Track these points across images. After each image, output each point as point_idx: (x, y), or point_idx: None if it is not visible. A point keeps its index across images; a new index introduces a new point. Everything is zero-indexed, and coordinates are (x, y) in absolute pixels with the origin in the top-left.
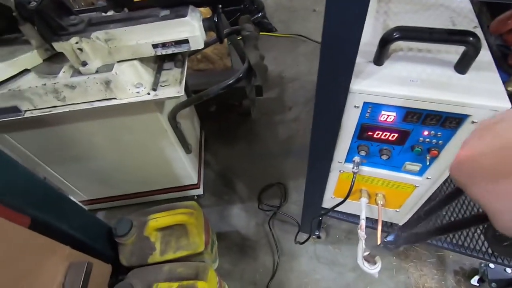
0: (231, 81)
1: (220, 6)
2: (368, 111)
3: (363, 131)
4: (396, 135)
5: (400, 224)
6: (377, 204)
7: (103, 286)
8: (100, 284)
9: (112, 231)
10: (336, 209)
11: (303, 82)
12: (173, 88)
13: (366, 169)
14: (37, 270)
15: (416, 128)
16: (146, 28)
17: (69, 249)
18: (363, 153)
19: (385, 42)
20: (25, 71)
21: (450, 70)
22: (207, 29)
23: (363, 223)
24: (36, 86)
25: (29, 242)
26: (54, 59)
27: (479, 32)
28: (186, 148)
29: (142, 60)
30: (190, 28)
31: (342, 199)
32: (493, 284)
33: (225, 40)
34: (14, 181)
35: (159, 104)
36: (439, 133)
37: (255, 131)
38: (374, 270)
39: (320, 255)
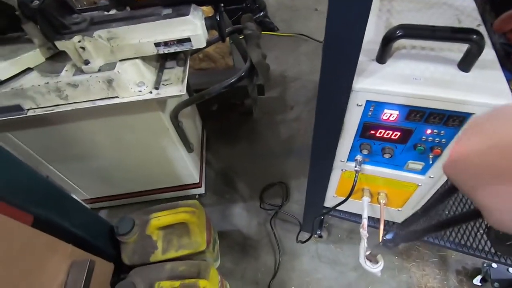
0: (233, 80)
1: (222, 4)
2: (371, 109)
3: (366, 130)
4: (399, 133)
5: (399, 222)
6: (379, 203)
7: (105, 285)
8: (102, 283)
9: (114, 229)
10: (338, 208)
11: (305, 82)
12: (175, 87)
13: (368, 168)
14: (39, 268)
15: (419, 126)
16: (149, 27)
17: (72, 247)
18: (365, 151)
19: (388, 40)
20: (28, 69)
21: (454, 68)
22: (209, 27)
23: (365, 222)
24: (39, 85)
25: (32, 240)
26: (57, 57)
27: (482, 30)
28: (188, 147)
29: (144, 58)
30: (192, 27)
31: (344, 198)
32: (496, 284)
33: (227, 39)
34: (17, 179)
35: (161, 103)
36: (442, 132)
37: (256, 130)
38: (376, 269)
39: (322, 254)
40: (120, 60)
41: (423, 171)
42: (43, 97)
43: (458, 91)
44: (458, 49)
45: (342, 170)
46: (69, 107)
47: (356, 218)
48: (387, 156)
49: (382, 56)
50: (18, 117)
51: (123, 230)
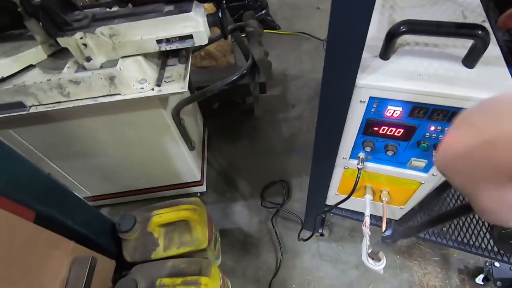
0: (235, 77)
1: (224, 1)
2: (374, 106)
3: (369, 127)
4: (402, 130)
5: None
6: (381, 201)
7: (107, 281)
8: (104, 279)
9: (116, 226)
10: (339, 206)
11: (307, 80)
12: (177, 84)
13: (371, 166)
14: (42, 264)
15: (423, 123)
16: (151, 24)
17: (74, 244)
18: (368, 149)
19: (392, 36)
20: (30, 66)
21: (458, 64)
22: (211, 24)
23: (367, 219)
24: (41, 82)
25: (34, 236)
26: (59, 54)
27: (487, 26)
28: (190, 144)
29: (146, 55)
30: (195, 24)
31: (346, 196)
32: (498, 283)
33: (229, 37)
34: (20, 175)
35: (163, 100)
36: (446, 129)
37: (258, 128)
38: (379, 266)
39: (323, 253)
40: (122, 57)
41: (426, 169)
42: (45, 94)
43: (462, 87)
44: (462, 45)
45: (344, 168)
46: (71, 104)
47: (358, 216)
48: (390, 153)
49: (385, 52)
50: (20, 114)
51: (125, 227)
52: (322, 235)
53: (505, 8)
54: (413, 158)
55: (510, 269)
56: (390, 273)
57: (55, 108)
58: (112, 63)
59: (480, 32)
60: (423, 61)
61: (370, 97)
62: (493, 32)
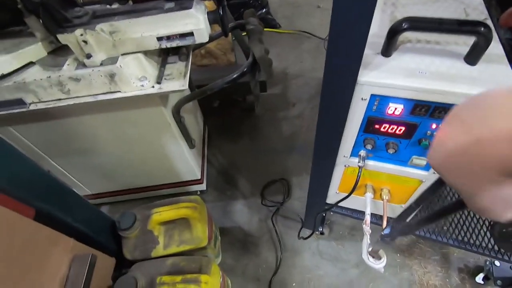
0: (236, 75)
1: None
2: (375, 103)
3: (370, 124)
4: (403, 128)
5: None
6: (382, 199)
7: (106, 279)
8: (103, 277)
9: (116, 224)
10: (340, 204)
11: (307, 79)
12: (177, 82)
13: (371, 164)
14: (42, 261)
15: (424, 121)
16: (151, 20)
17: (74, 241)
18: (369, 147)
19: (394, 32)
20: (30, 63)
21: (460, 61)
22: (212, 22)
23: (368, 218)
24: (41, 79)
25: (34, 233)
26: (59, 51)
27: (489, 24)
28: (190, 143)
29: (146, 53)
30: (195, 21)
31: (347, 194)
32: (499, 282)
33: (229, 35)
34: (20, 173)
35: (163, 97)
36: None
37: (258, 127)
38: (379, 265)
39: (323, 251)
40: (122, 54)
41: (427, 167)
42: (45, 91)
43: (465, 84)
44: (464, 43)
45: (345, 166)
46: (71, 101)
47: (358, 214)
48: (391, 151)
49: (387, 50)
50: (20, 111)
51: (125, 225)
52: (322, 233)
53: (507, 6)
54: (414, 156)
55: (511, 268)
56: (390, 272)
57: (55, 105)
58: (113, 60)
59: (482, 29)
60: (425, 58)
61: (372, 95)
62: (495, 30)
